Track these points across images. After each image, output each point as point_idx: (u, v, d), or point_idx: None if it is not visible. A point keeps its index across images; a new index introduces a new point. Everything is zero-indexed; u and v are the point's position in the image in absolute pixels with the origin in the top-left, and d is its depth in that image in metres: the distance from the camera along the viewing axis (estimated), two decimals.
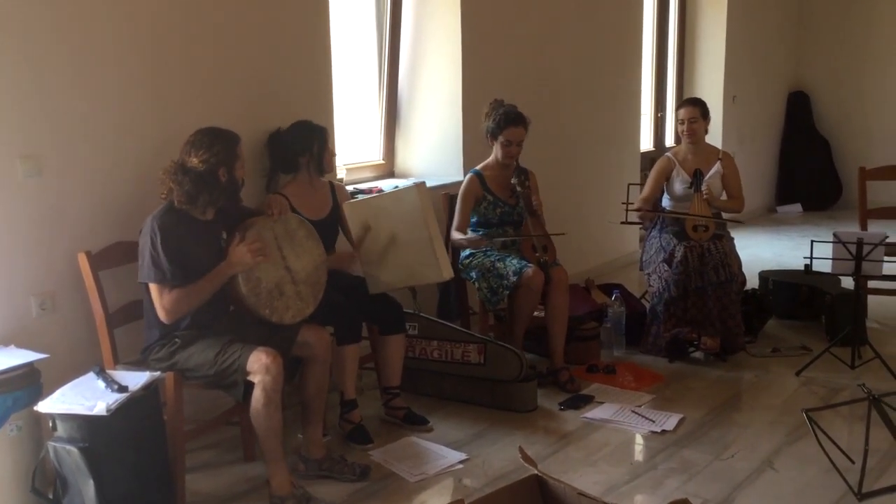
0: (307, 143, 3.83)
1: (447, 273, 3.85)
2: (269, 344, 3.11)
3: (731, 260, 4.60)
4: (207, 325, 3.21)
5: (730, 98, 8.04)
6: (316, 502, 3.14)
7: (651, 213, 4.89)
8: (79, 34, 3.29)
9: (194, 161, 3.12)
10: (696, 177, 4.78)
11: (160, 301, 3.08)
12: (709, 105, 5.01)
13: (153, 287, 3.09)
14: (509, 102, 4.46)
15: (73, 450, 2.76)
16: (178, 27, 3.62)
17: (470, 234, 4.39)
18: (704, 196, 4.70)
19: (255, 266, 3.17)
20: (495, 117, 4.39)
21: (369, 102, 5.20)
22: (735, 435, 3.78)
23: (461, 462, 3.53)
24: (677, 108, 5.03)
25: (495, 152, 4.46)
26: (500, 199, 4.45)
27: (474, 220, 4.49)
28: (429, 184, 4.76)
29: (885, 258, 4.31)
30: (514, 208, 4.45)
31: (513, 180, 4.40)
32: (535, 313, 4.37)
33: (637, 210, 4.94)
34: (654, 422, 3.86)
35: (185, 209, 3.14)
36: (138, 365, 3.20)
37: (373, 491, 3.32)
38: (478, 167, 4.52)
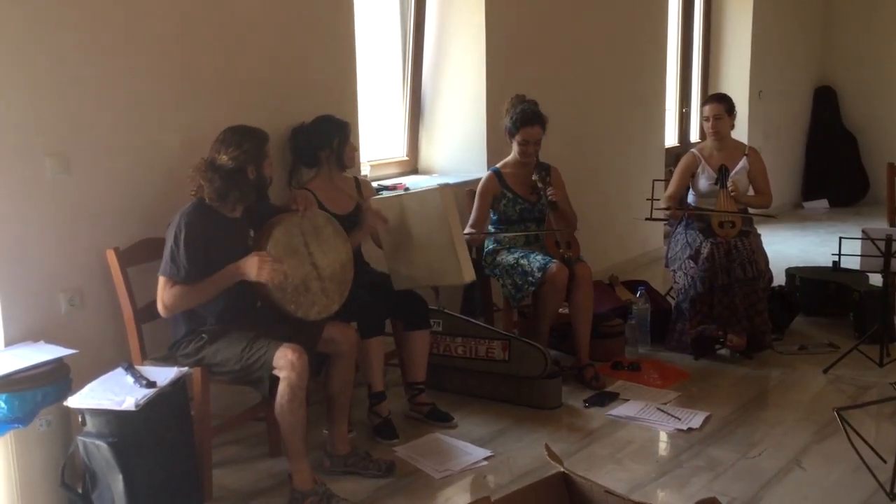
0: (327, 137, 3.83)
1: (468, 276, 3.84)
2: (294, 340, 3.12)
3: (759, 256, 4.56)
4: (234, 321, 3.22)
5: (756, 93, 7.98)
6: (337, 500, 3.13)
7: (679, 211, 4.84)
8: (107, 32, 3.32)
9: (224, 158, 3.14)
10: (722, 173, 4.74)
11: (162, 294, 3.10)
12: (735, 100, 4.96)
13: (161, 279, 3.10)
14: (531, 98, 4.45)
15: (103, 444, 2.78)
16: (205, 26, 3.63)
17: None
18: (731, 192, 4.67)
19: (264, 280, 3.08)
20: (512, 116, 4.39)
21: (393, 99, 5.20)
22: (762, 433, 3.75)
23: (486, 459, 3.52)
24: (702, 104, 4.98)
25: (514, 150, 4.46)
26: (520, 196, 4.44)
27: (495, 217, 4.49)
28: (452, 181, 4.79)
29: None
30: (535, 205, 4.43)
31: (534, 177, 4.39)
32: (560, 310, 4.36)
33: (665, 209, 4.89)
34: (679, 419, 3.84)
35: (215, 206, 3.16)
36: (166, 360, 3.24)
37: (398, 487, 3.32)
38: (498, 165, 4.52)
